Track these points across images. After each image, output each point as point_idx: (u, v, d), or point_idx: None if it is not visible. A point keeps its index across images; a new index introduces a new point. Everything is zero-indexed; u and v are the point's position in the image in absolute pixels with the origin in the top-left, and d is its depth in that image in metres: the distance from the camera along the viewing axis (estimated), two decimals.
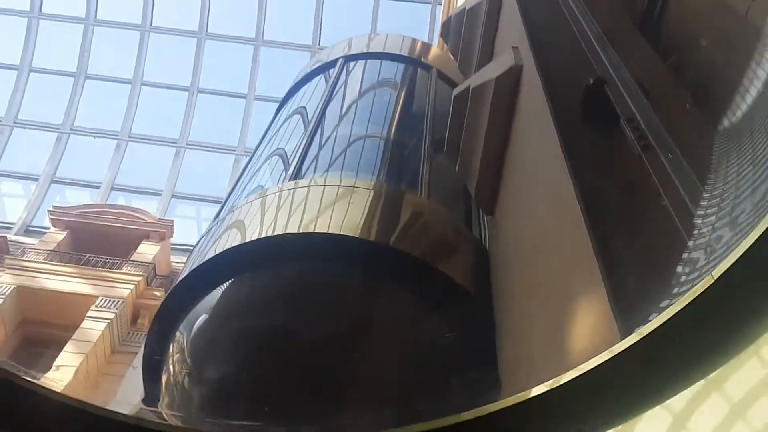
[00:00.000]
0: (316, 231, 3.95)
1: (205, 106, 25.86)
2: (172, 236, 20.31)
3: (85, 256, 18.21)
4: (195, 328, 4.31)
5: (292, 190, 4.60)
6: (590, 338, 2.12)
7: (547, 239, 3.01)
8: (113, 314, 16.42)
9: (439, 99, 6.23)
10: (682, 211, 2.05)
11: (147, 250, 19.13)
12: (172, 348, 4.48)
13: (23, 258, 17.75)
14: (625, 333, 1.55)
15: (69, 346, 15.48)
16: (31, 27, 25.16)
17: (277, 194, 4.60)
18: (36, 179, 23.88)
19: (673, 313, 1.35)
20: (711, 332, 1.34)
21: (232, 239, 4.19)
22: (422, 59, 7.20)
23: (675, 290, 1.62)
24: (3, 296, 16.39)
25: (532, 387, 1.56)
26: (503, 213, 4.18)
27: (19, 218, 22.31)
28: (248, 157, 6.39)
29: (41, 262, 17.57)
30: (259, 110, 25.82)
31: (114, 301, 16.79)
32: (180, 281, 4.36)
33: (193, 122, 25.44)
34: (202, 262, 4.20)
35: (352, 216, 4.26)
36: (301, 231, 3.97)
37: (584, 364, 1.48)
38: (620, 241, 2.35)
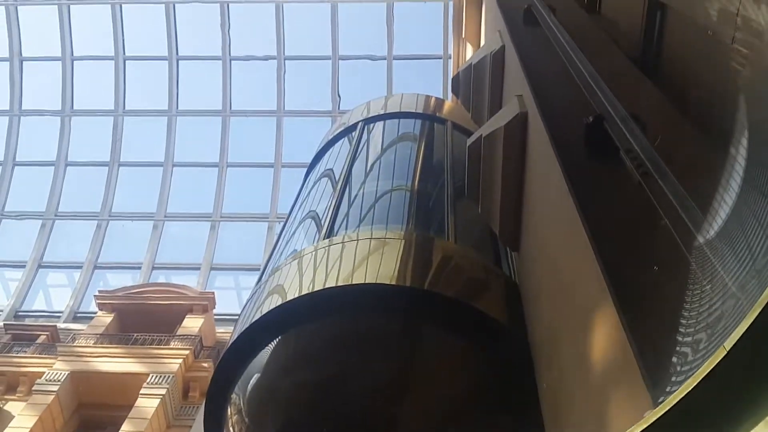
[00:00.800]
0: (354, 282, 4.24)
1: (235, 179, 26.66)
2: (214, 308, 20.76)
3: (132, 335, 18.73)
4: (249, 388, 4.58)
5: (327, 248, 4.91)
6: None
7: (562, 273, 3.28)
8: (165, 390, 16.79)
9: (456, 149, 6.57)
10: (684, 233, 2.29)
11: (192, 324, 19.59)
12: (230, 410, 4.74)
13: (74, 344, 18.31)
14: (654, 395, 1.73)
15: (126, 425, 15.84)
16: (64, 125, 26.44)
17: (313, 253, 4.92)
18: (80, 267, 24.68)
19: (690, 388, 1.44)
20: (726, 405, 1.41)
21: (274, 300, 4.49)
22: (437, 113, 7.60)
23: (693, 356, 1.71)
24: (59, 383, 16.90)
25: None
26: (526, 248, 4.45)
27: (66, 306, 23.01)
28: (283, 222, 6.75)
29: (92, 347, 18.11)
30: (287, 177, 26.54)
31: (164, 376, 17.18)
32: (230, 346, 4.65)
33: (225, 195, 26.20)
34: (248, 325, 4.49)
35: (386, 265, 4.56)
36: (339, 284, 4.26)
37: None
38: (630, 270, 2.57)
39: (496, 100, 5.78)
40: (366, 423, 4.20)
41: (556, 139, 3.61)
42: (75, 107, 26.62)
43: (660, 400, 1.65)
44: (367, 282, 4.29)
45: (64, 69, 26.01)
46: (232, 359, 4.59)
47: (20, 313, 23.34)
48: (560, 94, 4.17)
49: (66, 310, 22.86)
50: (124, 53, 26.08)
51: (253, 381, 4.60)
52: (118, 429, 16.22)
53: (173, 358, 17.75)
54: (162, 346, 18.18)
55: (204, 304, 20.28)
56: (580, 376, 2.83)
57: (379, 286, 4.27)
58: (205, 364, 18.23)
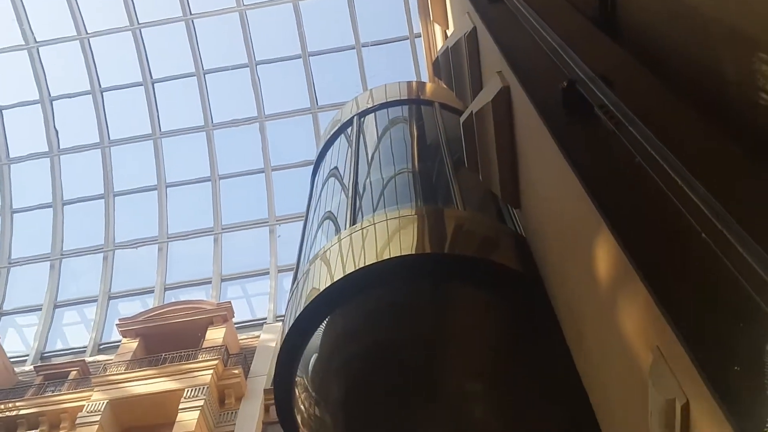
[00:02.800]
0: (387, 257, 4.85)
1: (229, 189, 27.19)
2: (233, 317, 21.39)
3: (161, 356, 19.34)
4: (311, 366, 5.19)
5: (350, 236, 5.52)
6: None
7: (562, 216, 3.91)
8: (202, 401, 17.43)
9: (447, 126, 7.17)
10: (656, 169, 2.88)
11: (215, 335, 20.21)
12: (297, 392, 5.33)
13: (107, 374, 18.91)
14: None
15: None
16: (54, 165, 26.88)
17: (339, 243, 5.53)
18: (95, 301, 25.23)
19: None
20: None
21: (322, 283, 5.09)
22: (421, 97, 8.19)
23: None
24: (100, 412, 17.51)
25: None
26: (527, 204, 5.07)
27: (90, 339, 23.59)
28: (302, 223, 7.34)
29: (124, 372, 18.71)
30: (279, 179, 27.11)
31: (199, 389, 17.82)
32: (287, 334, 5.23)
33: (222, 207, 26.73)
34: (302, 309, 5.09)
35: (407, 240, 5.19)
36: (374, 261, 4.87)
37: None
38: (620, 200, 3.15)
39: (476, 78, 6.37)
40: (418, 379, 4.81)
41: (538, 105, 4.20)
42: (62, 146, 27.03)
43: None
44: (396, 255, 4.90)
45: (44, 110, 26.47)
46: (291, 343, 5.17)
47: (45, 355, 23.91)
48: (534, 65, 4.75)
49: (90, 344, 23.44)
50: (100, 86, 26.50)
51: (313, 360, 5.19)
52: None
53: (204, 370, 18.37)
54: (191, 361, 18.80)
55: (223, 314, 20.90)
56: (593, 308, 3.44)
57: (407, 257, 4.89)
58: (236, 371, 18.88)
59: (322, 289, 5.08)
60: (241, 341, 21.60)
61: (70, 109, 27.33)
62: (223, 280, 25.40)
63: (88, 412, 17.59)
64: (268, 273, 25.22)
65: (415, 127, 7.71)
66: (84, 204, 27.08)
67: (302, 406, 5.33)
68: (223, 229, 26.30)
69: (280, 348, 5.26)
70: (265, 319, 23.48)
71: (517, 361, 4.94)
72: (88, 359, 21.82)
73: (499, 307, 5.09)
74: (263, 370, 19.75)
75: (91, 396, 18.27)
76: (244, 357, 19.92)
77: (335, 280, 5.01)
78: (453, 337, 4.94)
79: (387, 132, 7.74)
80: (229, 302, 21.81)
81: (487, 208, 5.91)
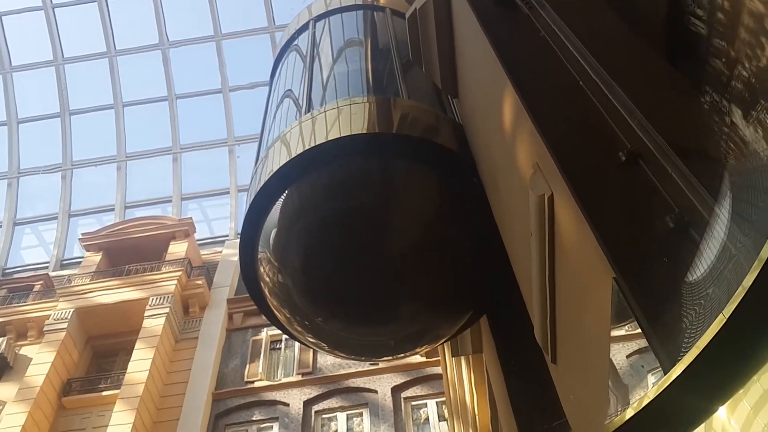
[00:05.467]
0: (341, 136, 5.52)
1: (188, 110, 27.30)
2: (195, 232, 21.98)
3: (125, 268, 19.93)
4: (271, 239, 5.84)
5: (310, 119, 6.13)
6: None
7: (488, 96, 4.61)
8: (167, 308, 18.20)
9: (398, 30, 7.75)
10: (564, 50, 3.58)
11: (177, 249, 20.83)
12: (261, 267, 5.99)
13: (72, 285, 19.45)
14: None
15: (139, 344, 17.30)
16: (7, 82, 26.49)
17: (300, 126, 6.15)
18: (54, 218, 25.48)
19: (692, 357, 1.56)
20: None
21: (276, 166, 5.72)
22: (375, 2, 8.72)
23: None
24: (67, 320, 18.14)
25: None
26: (463, 92, 5.77)
27: (52, 256, 23.98)
28: (263, 116, 7.91)
29: (89, 283, 19.28)
30: (238, 100, 27.27)
31: (164, 297, 18.56)
32: (251, 202, 5.83)
33: (180, 128, 26.89)
34: (264, 182, 5.73)
35: (357, 122, 5.86)
36: (329, 139, 5.53)
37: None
38: (536, 82, 3.85)
39: None
40: (364, 243, 5.56)
41: None
42: (14, 63, 26.62)
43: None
44: (346, 135, 5.57)
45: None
46: (254, 214, 5.83)
47: (7, 271, 24.26)
48: None
49: (52, 260, 23.84)
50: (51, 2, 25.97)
51: (273, 234, 5.87)
52: (130, 353, 17.68)
53: (168, 280, 19.05)
54: (155, 272, 19.44)
55: (185, 229, 21.47)
56: (503, 158, 4.19)
57: (358, 136, 5.56)
58: (199, 282, 19.62)
59: (279, 166, 5.70)
60: (203, 256, 22.28)
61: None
62: (183, 199, 25.82)
63: (54, 320, 18.19)
64: (228, 192, 25.72)
65: (367, 31, 8.27)
66: (41, 122, 26.91)
67: (266, 278, 6.01)
68: (181, 148, 26.53)
69: (244, 221, 5.91)
70: (227, 236, 24.13)
71: (450, 226, 5.71)
72: (52, 274, 22.28)
73: (438, 183, 5.82)
74: (226, 281, 20.55)
75: (56, 306, 18.84)
76: (207, 270, 20.63)
77: (293, 156, 5.65)
78: (395, 208, 5.67)
79: (341, 35, 8.27)
80: (191, 218, 22.36)
81: (430, 100, 6.58)
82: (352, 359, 6.29)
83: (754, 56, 1.85)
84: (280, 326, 6.31)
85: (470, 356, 7.47)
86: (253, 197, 5.89)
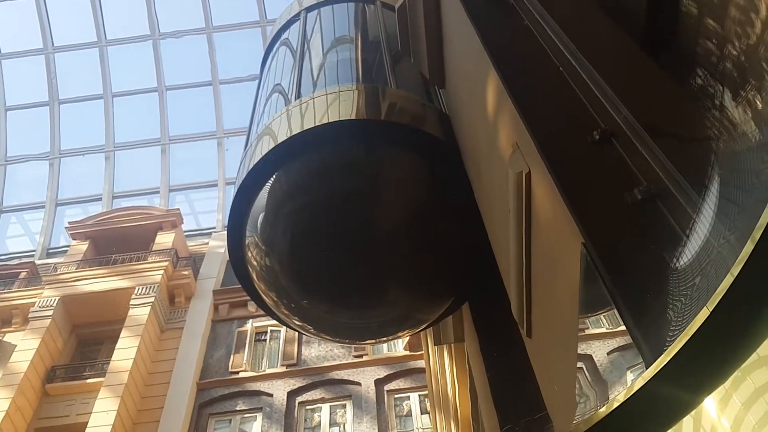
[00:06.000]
0: (330, 121, 5.63)
1: (178, 102, 27.30)
2: (182, 223, 22.00)
3: (111, 257, 19.93)
4: (259, 223, 5.95)
5: (299, 106, 6.25)
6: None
7: (474, 87, 4.75)
8: (153, 298, 18.23)
9: (388, 23, 7.88)
10: (552, 46, 3.72)
11: (164, 239, 20.87)
12: (249, 251, 6.10)
13: (58, 273, 19.44)
14: None
15: (124, 333, 17.33)
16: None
17: (288, 111, 6.26)
18: (41, 207, 25.41)
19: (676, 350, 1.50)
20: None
21: (271, 143, 5.84)
22: None
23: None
24: (52, 308, 18.14)
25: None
26: (450, 83, 5.91)
27: (38, 244, 23.93)
28: (252, 102, 8.01)
29: (76, 272, 19.27)
30: (227, 93, 27.29)
31: (150, 287, 18.59)
32: (239, 187, 5.94)
33: (169, 119, 26.89)
34: (252, 165, 5.84)
35: (346, 109, 5.98)
36: (318, 124, 5.65)
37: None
38: (523, 75, 3.99)
39: None
40: (350, 227, 5.68)
41: None
42: (3, 51, 26.50)
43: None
44: (334, 120, 5.69)
45: None
46: (242, 197, 5.92)
47: None
48: None
49: (38, 249, 23.79)
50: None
51: (260, 218, 5.98)
52: (115, 341, 17.71)
53: (154, 270, 19.08)
54: (141, 262, 19.47)
55: (172, 220, 21.50)
56: (486, 143, 4.33)
57: (345, 122, 5.68)
58: (185, 272, 19.67)
59: (268, 150, 5.80)
60: (190, 248, 22.31)
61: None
62: (171, 190, 25.83)
63: (40, 307, 18.17)
64: (216, 185, 25.75)
65: (358, 22, 8.39)
66: (29, 111, 26.82)
67: (254, 262, 6.10)
68: (170, 139, 26.52)
69: (232, 204, 5.99)
70: (214, 228, 24.17)
71: (434, 214, 5.85)
72: (38, 262, 22.23)
73: (424, 171, 5.95)
74: (212, 273, 20.60)
75: (42, 293, 18.82)
76: (194, 261, 20.67)
77: (281, 141, 5.76)
78: (381, 193, 5.80)
79: (332, 26, 8.39)
80: (178, 209, 22.39)
81: (417, 90, 6.72)
82: (337, 342, 6.41)
83: (727, 45, 1.94)
84: (267, 310, 6.42)
85: (452, 346, 7.61)
86: (241, 180, 5.99)
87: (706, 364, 1.52)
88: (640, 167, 2.49)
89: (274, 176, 5.94)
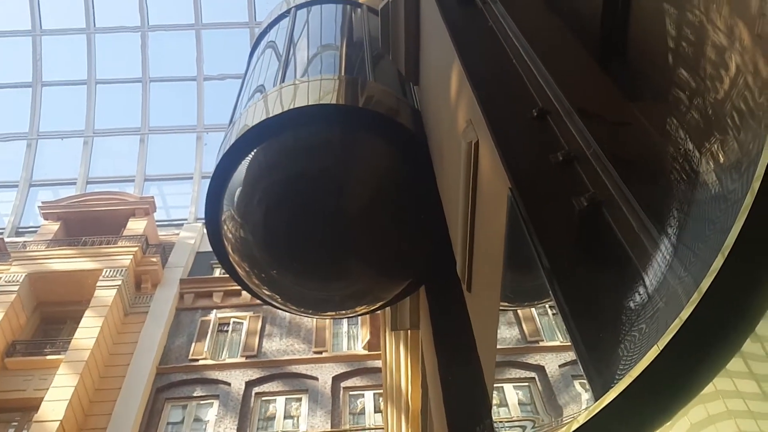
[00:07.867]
0: (310, 104, 6.14)
1: (162, 95, 27.58)
2: (155, 211, 22.24)
3: (81, 239, 20.09)
4: (236, 197, 6.40)
5: (279, 90, 6.75)
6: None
7: (444, 85, 5.29)
8: (120, 281, 18.44)
9: (371, 26, 8.45)
10: (512, 48, 4.29)
11: (136, 226, 21.08)
12: (225, 225, 6.54)
13: (27, 250, 19.54)
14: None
15: (88, 312, 17.50)
16: None
17: (271, 94, 6.76)
18: (13, 187, 25.44)
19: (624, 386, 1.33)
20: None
21: (252, 121, 6.30)
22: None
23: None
24: (18, 283, 18.24)
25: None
26: (423, 81, 6.46)
27: (8, 222, 23.94)
28: (239, 89, 8.47)
29: (44, 250, 19.39)
30: (210, 89, 27.64)
31: (118, 270, 18.78)
32: (222, 156, 6.40)
33: (150, 110, 27.14)
34: (234, 140, 6.31)
35: (327, 93, 6.50)
36: (298, 106, 6.15)
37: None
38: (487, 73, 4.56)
39: None
40: (321, 203, 6.16)
41: None
42: None
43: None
44: (317, 103, 6.20)
45: None
46: (221, 170, 6.37)
47: None
48: None
49: (8, 226, 23.81)
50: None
51: (237, 192, 6.42)
52: (78, 321, 17.85)
53: (123, 254, 19.29)
54: (111, 246, 19.66)
55: (145, 207, 21.73)
56: (454, 150, 4.86)
57: (326, 106, 6.19)
58: (153, 259, 19.89)
59: (248, 128, 6.25)
60: (161, 237, 22.53)
61: None
62: (147, 180, 26.04)
63: (6, 282, 18.26)
64: (191, 177, 26.02)
65: (344, 23, 8.95)
66: (12, 91, 26.91)
67: (229, 234, 6.53)
68: (150, 130, 26.77)
69: (212, 177, 6.38)
70: (186, 219, 24.42)
71: (398, 198, 6.35)
72: (6, 239, 22.25)
73: (394, 158, 6.46)
74: (181, 262, 20.85)
75: (9, 269, 18.90)
76: (163, 249, 20.90)
77: (261, 119, 6.23)
78: (352, 174, 6.29)
79: (319, 23, 8.93)
80: (152, 197, 22.64)
81: (394, 84, 7.27)
82: (301, 313, 6.88)
83: (677, 48, 2.46)
84: (240, 281, 6.83)
85: (408, 338, 8.07)
86: (224, 151, 6.44)
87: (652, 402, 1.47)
88: (566, 137, 3.04)
89: (252, 153, 6.41)
